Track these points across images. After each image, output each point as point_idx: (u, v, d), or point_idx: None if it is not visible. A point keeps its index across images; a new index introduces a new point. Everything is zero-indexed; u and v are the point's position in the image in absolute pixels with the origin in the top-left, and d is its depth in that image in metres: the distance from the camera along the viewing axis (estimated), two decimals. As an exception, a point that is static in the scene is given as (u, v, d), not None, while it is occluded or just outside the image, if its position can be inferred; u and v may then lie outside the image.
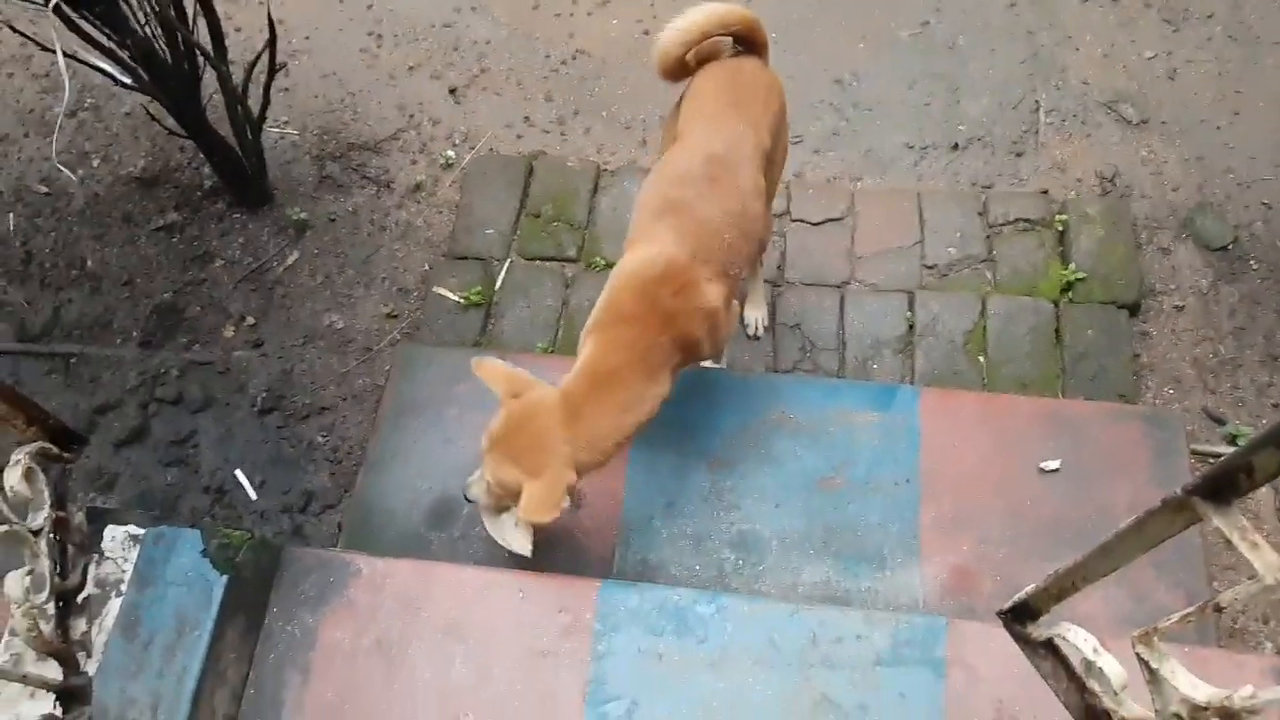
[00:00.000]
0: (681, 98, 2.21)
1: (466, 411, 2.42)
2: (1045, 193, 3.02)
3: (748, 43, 2.19)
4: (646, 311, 1.94)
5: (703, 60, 2.17)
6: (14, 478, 1.56)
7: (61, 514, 1.70)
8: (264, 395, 2.83)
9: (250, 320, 2.96)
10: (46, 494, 1.65)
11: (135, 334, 2.96)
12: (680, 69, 2.18)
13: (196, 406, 2.85)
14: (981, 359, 2.73)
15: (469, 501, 2.12)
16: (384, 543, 2.31)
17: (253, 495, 2.72)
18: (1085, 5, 3.36)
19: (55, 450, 1.73)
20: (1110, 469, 2.34)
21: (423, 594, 1.97)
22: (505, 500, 2.00)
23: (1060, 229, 2.93)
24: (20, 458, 1.60)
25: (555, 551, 2.29)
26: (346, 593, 1.98)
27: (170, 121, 2.76)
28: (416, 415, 2.46)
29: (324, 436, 2.78)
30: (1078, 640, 1.48)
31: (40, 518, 1.62)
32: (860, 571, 2.25)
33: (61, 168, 2.80)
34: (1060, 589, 1.50)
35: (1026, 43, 3.30)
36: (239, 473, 2.74)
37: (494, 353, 2.66)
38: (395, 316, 2.94)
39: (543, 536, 2.30)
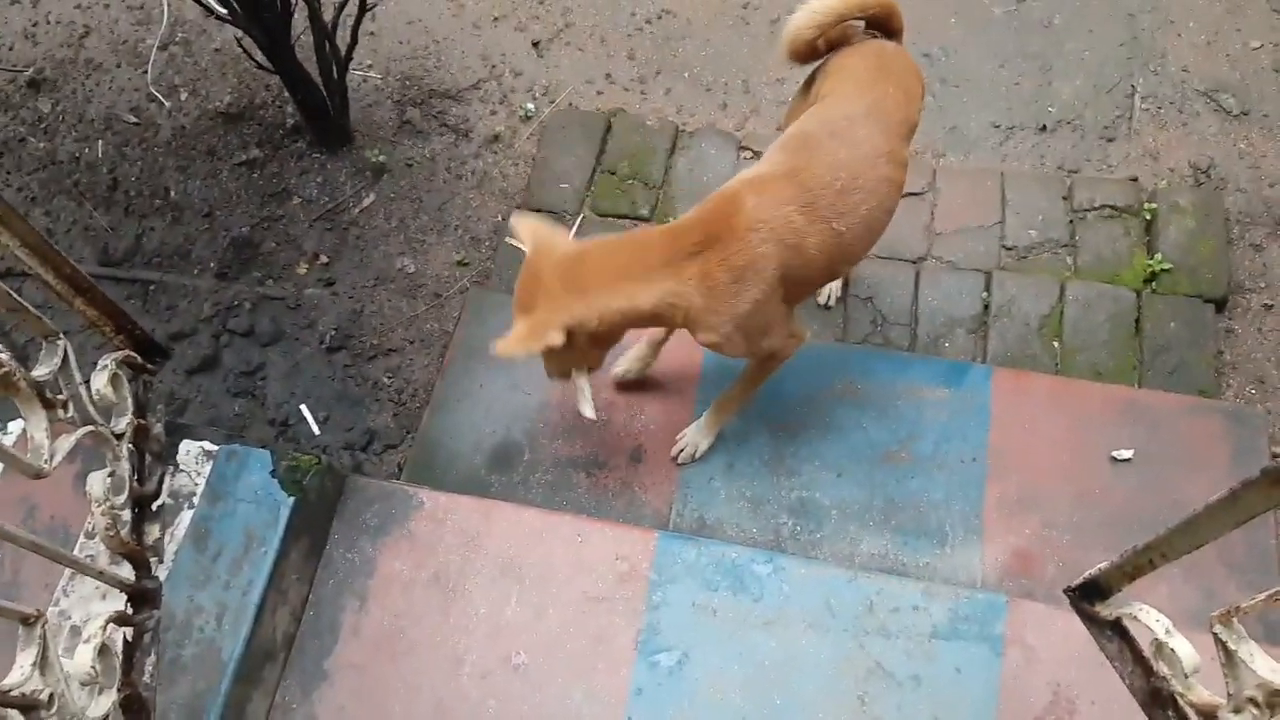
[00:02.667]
0: (810, 78, 2.11)
1: (534, 359, 2.42)
2: (1135, 180, 2.93)
3: (883, 28, 2.09)
4: (697, 211, 1.85)
5: (831, 44, 2.08)
6: (100, 381, 1.60)
7: (142, 422, 1.73)
8: (333, 333, 2.87)
9: (324, 259, 3.00)
10: (130, 401, 1.69)
11: (212, 265, 3.01)
12: (810, 51, 2.08)
13: (267, 340, 2.89)
14: (1056, 344, 2.66)
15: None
16: (446, 482, 2.33)
17: (316, 430, 2.76)
18: (1190, -10, 3.25)
19: (139, 360, 1.77)
20: (1186, 463, 2.28)
21: (483, 531, 1.99)
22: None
23: (1148, 218, 2.84)
24: (108, 363, 1.63)
25: (613, 501, 2.30)
26: (408, 525, 2.00)
27: (259, 56, 2.79)
28: (484, 359, 2.48)
29: (389, 378, 2.81)
30: (1149, 620, 1.45)
31: (123, 423, 1.66)
32: (920, 547, 2.23)
33: (157, 93, 2.85)
34: (1136, 566, 1.47)
35: (1126, 25, 3.20)
36: (304, 407, 2.79)
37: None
38: (466, 264, 2.96)
39: (605, 487, 2.31)
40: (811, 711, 1.83)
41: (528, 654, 1.88)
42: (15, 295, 1.39)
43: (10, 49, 3.46)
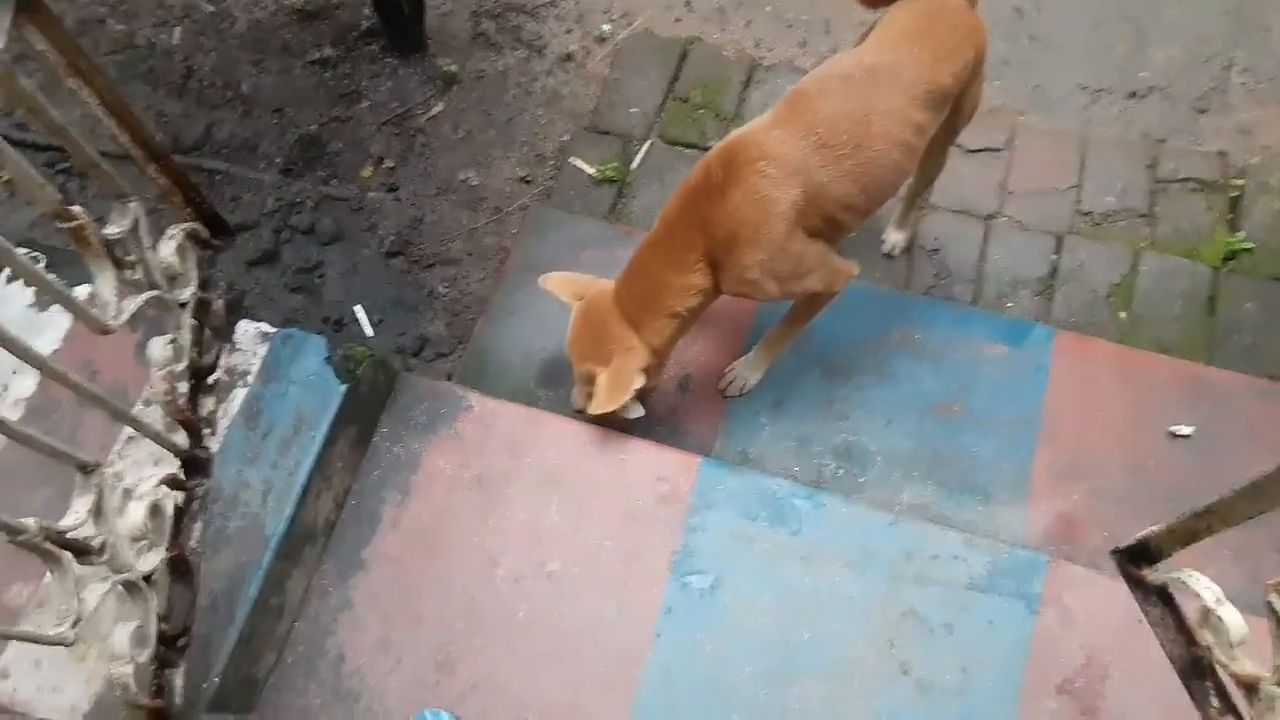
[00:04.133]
0: (872, 26, 2.05)
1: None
2: (1223, 155, 2.82)
3: None
4: (695, 189, 1.87)
5: None
6: (168, 250, 1.61)
7: (204, 295, 1.75)
8: (392, 238, 2.87)
9: (389, 163, 2.99)
10: (194, 273, 1.71)
11: (278, 160, 3.02)
12: None
13: (327, 239, 2.90)
14: (1123, 314, 2.59)
15: (579, 413, 2.15)
16: (495, 392, 2.32)
17: (369, 332, 2.78)
18: (1305, -38, 3.10)
19: (205, 235, 1.78)
20: (1247, 445, 2.21)
21: (528, 439, 2.00)
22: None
23: (1234, 195, 2.74)
24: (175, 233, 1.65)
25: (657, 428, 2.29)
26: (455, 425, 2.02)
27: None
28: (542, 275, 2.46)
29: (445, 287, 2.81)
30: (1199, 587, 1.41)
31: (186, 293, 1.67)
32: (963, 502, 2.20)
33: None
34: (1191, 531, 1.43)
35: (1233, -6, 3.07)
36: (359, 308, 2.80)
37: (623, 230, 2.65)
38: (529, 181, 2.94)
39: (651, 414, 2.30)
40: (840, 648, 1.83)
41: (562, 563, 1.90)
42: (88, 149, 1.40)
43: (95, -71, 3.47)
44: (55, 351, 1.93)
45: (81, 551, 1.30)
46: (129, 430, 1.80)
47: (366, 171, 2.99)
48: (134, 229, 1.50)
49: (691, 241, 1.88)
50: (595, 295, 2.01)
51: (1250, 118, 2.90)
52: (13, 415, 1.86)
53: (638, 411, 2.10)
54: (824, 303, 2.11)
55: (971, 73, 2.02)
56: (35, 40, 1.34)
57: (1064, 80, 3.02)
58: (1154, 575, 1.56)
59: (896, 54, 1.90)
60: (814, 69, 1.99)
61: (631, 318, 1.96)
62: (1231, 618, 1.38)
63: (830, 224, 1.90)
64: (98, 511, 1.34)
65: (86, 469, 1.33)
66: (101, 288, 1.45)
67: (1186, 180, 2.77)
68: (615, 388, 1.93)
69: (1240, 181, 2.75)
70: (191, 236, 1.73)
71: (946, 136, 2.18)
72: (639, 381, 1.95)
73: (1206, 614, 1.42)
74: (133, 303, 1.49)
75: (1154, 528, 1.51)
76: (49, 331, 1.97)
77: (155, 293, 1.56)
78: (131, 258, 1.51)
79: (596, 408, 1.94)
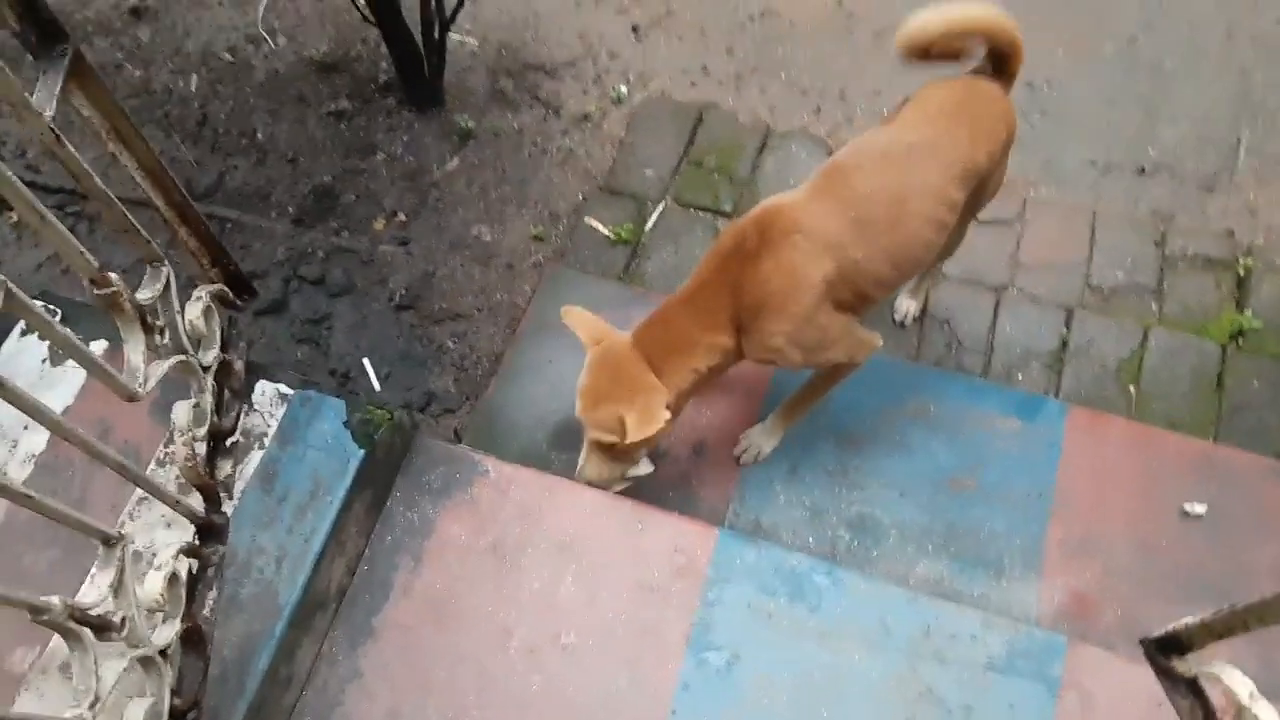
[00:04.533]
0: (903, 102, 2.06)
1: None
2: (1231, 234, 2.86)
3: (1000, 59, 2.00)
4: (727, 252, 1.87)
5: (946, 55, 1.99)
6: (194, 312, 1.60)
7: (226, 357, 1.73)
8: (403, 292, 2.86)
9: (401, 217, 3.00)
10: (217, 335, 1.69)
11: (291, 210, 3.02)
12: (922, 52, 1.97)
13: (336, 290, 2.89)
14: (1132, 389, 2.60)
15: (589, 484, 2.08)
16: (506, 453, 2.31)
17: (376, 386, 2.76)
18: (1309, 48, 3.17)
19: (230, 296, 1.77)
20: (1260, 526, 2.21)
21: (544, 506, 1.97)
22: (615, 450, 1.99)
23: (1241, 274, 2.77)
24: (202, 295, 1.63)
25: (669, 494, 2.28)
26: (471, 490, 1.99)
27: (363, 2, 2.79)
28: (556, 336, 2.45)
29: (454, 342, 2.80)
30: (1234, 682, 1.40)
31: (210, 356, 1.66)
32: (976, 577, 2.19)
33: (263, 32, 2.85)
34: (1227, 626, 1.42)
35: (1239, 79, 3.12)
36: (367, 361, 2.78)
37: (637, 292, 2.65)
38: (542, 239, 2.94)
39: (663, 479, 2.29)
40: (857, 729, 1.80)
41: (577, 635, 1.87)
42: (129, 216, 1.39)
43: (115, -25, 3.49)
44: (68, 408, 1.90)
45: (101, 629, 1.27)
46: (141, 490, 1.77)
47: (379, 224, 2.99)
48: (165, 293, 1.49)
49: (720, 301, 1.88)
50: (612, 344, 1.98)
51: (1256, 198, 2.95)
52: (22, 473, 1.83)
53: (647, 468, 2.08)
54: (845, 373, 2.11)
55: (1001, 153, 2.04)
56: (81, 106, 1.33)
57: (1074, 155, 3.07)
58: (1184, 667, 1.54)
59: (935, 131, 1.92)
60: (850, 141, 2.01)
61: (653, 364, 1.93)
62: (1267, 714, 1.36)
63: (859, 298, 1.91)
64: (118, 585, 1.31)
65: (110, 541, 1.30)
66: (131, 352, 1.43)
67: (1194, 257, 2.81)
68: (646, 418, 1.88)
69: (1249, 261, 2.78)
70: (216, 298, 1.72)
71: (969, 213, 2.20)
72: (665, 416, 1.90)
73: (1241, 710, 1.41)
74: (159, 368, 1.47)
75: (1188, 620, 1.50)
76: (62, 386, 1.94)
77: (182, 357, 1.54)
78: (160, 322, 1.50)
79: (634, 433, 1.88)
